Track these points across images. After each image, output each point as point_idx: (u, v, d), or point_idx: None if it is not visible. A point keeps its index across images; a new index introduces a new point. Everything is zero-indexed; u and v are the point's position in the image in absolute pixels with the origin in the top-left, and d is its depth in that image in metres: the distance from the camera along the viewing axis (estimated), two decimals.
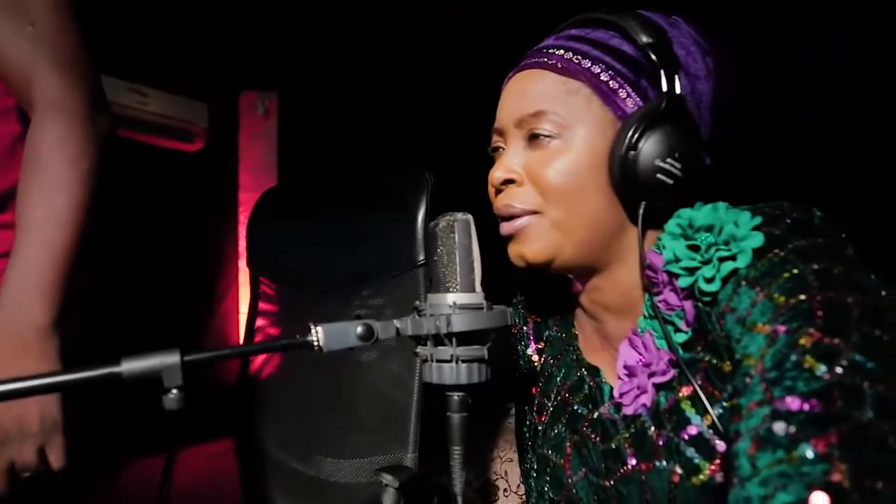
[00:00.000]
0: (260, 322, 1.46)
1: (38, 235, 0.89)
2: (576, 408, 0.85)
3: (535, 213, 0.77)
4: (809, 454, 0.54)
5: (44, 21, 0.94)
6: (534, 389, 0.92)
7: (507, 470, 1.05)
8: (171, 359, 0.58)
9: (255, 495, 1.44)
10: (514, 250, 0.80)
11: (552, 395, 0.89)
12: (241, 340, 1.49)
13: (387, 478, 1.02)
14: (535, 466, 0.89)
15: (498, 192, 0.80)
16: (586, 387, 0.85)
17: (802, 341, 0.60)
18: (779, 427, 0.57)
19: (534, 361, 0.94)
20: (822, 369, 0.57)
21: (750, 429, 0.59)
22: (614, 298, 0.81)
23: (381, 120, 3.22)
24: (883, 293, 0.63)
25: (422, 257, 1.16)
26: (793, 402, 0.57)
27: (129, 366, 0.58)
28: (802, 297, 0.62)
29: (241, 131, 3.46)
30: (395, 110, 3.14)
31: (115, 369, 0.57)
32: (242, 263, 3.34)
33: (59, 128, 0.92)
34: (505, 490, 1.05)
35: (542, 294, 0.96)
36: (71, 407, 1.03)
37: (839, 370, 0.57)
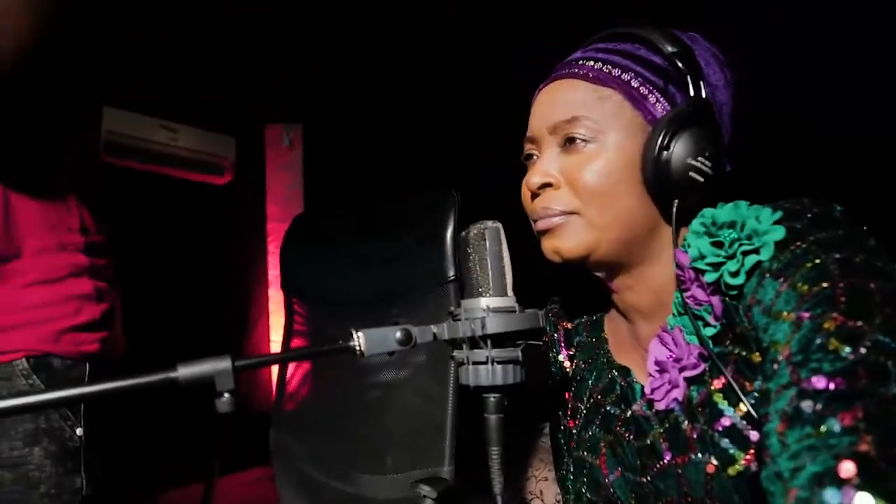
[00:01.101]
0: (295, 342, 1.50)
1: None
2: (609, 408, 0.88)
3: (572, 213, 0.80)
4: (836, 428, 0.56)
5: None
6: (567, 395, 0.94)
7: (542, 489, 1.06)
8: (223, 364, 0.62)
9: None
10: (549, 245, 0.83)
11: (585, 399, 0.91)
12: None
13: (424, 489, 1.05)
14: (572, 469, 0.91)
15: (534, 196, 0.83)
16: (618, 387, 0.87)
17: (826, 325, 0.62)
18: (806, 405, 0.59)
19: (566, 367, 0.96)
20: (846, 350, 0.60)
21: (778, 410, 0.61)
22: (645, 298, 0.84)
23: (404, 146, 3.28)
24: None
25: (451, 274, 1.19)
26: (819, 382, 0.59)
27: (185, 371, 0.61)
28: (825, 284, 0.64)
29: (267, 163, 3.54)
30: (417, 135, 3.20)
31: (172, 374, 0.61)
32: (272, 292, 3.40)
33: None
34: None
35: (572, 301, 0.98)
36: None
37: (863, 350, 0.59)
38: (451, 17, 2.85)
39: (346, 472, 1.33)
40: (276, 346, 3.36)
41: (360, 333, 0.65)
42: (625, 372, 0.88)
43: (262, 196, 3.54)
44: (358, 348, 0.65)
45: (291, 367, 1.51)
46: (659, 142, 0.75)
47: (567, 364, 0.96)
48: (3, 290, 1.03)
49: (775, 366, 0.65)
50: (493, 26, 2.87)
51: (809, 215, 0.70)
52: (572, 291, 0.99)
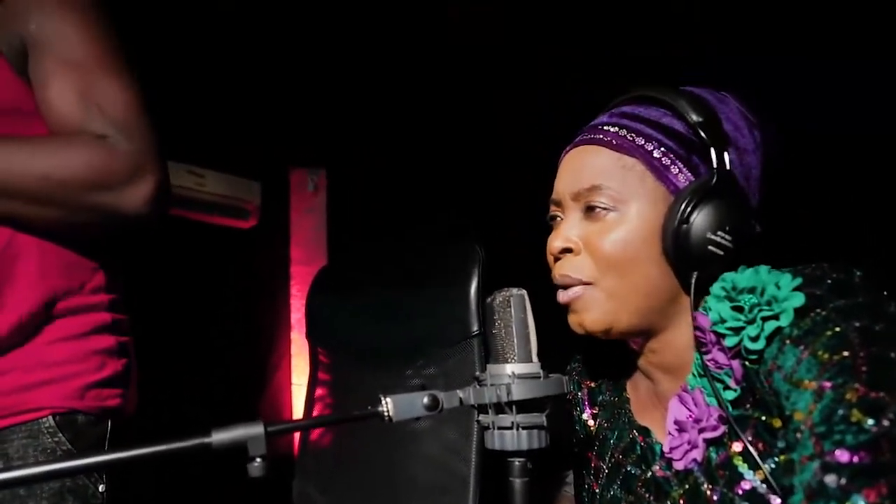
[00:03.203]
0: (319, 392, 1.51)
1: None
2: (629, 469, 0.88)
3: (588, 283, 0.82)
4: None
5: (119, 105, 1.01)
6: (590, 454, 0.95)
7: None
8: (256, 430, 0.64)
9: None
10: (573, 319, 0.85)
11: (607, 458, 0.92)
12: (301, 410, 1.54)
13: None
14: None
15: (556, 259, 0.85)
16: (638, 447, 0.88)
17: (849, 396, 0.63)
18: (830, 479, 0.60)
19: (589, 426, 0.97)
20: (869, 423, 0.60)
21: (803, 482, 0.62)
22: (669, 359, 0.85)
23: (429, 191, 3.32)
24: None
25: (475, 328, 1.20)
26: (842, 455, 0.60)
27: (218, 437, 0.63)
28: (846, 353, 0.65)
29: (291, 207, 3.59)
30: (442, 181, 3.24)
31: (206, 440, 0.63)
32: (295, 335, 3.42)
33: (97, 151, 0.98)
34: None
35: (595, 360, 0.99)
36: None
37: (886, 423, 0.60)
38: (480, 63, 2.91)
39: None
40: (297, 388, 3.36)
41: (388, 399, 0.67)
42: (645, 432, 0.88)
43: (287, 239, 3.58)
44: (387, 414, 0.67)
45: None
46: (679, 214, 0.77)
47: (591, 423, 0.97)
48: (28, 349, 1.03)
49: (798, 435, 0.66)
50: (524, 76, 2.92)
51: (829, 281, 0.71)
52: (596, 350, 0.99)
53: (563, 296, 0.84)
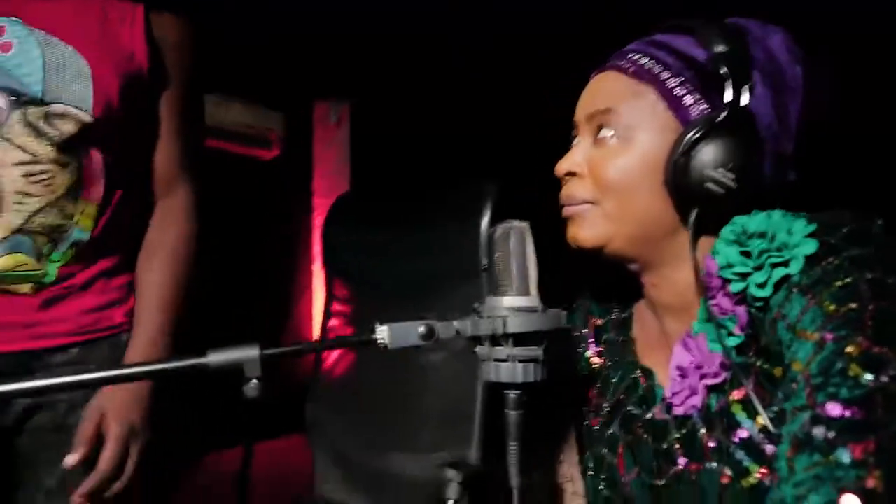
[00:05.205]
0: (333, 322, 1.53)
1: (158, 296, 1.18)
2: (630, 408, 0.88)
3: (592, 202, 0.81)
4: (846, 459, 0.55)
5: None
6: (592, 391, 0.95)
7: (573, 474, 1.08)
8: (252, 352, 0.65)
9: (326, 487, 1.52)
10: (570, 232, 0.84)
11: (608, 397, 0.92)
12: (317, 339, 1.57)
13: (450, 472, 1.07)
14: (592, 465, 0.92)
15: (564, 182, 0.84)
16: (640, 388, 0.87)
17: (850, 349, 0.60)
18: (818, 431, 0.58)
19: (593, 364, 0.96)
20: (867, 377, 0.58)
21: (791, 432, 0.61)
22: (671, 297, 0.83)
23: (452, 127, 3.28)
24: None
25: (485, 265, 1.20)
26: (833, 409, 0.58)
27: (215, 358, 0.64)
28: (854, 305, 0.62)
29: (315, 139, 3.58)
30: (465, 117, 3.19)
31: (202, 360, 0.64)
32: (316, 267, 3.45)
33: (185, 227, 1.24)
34: (573, 493, 1.08)
35: (603, 298, 0.98)
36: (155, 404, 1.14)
37: (884, 379, 0.58)
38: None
39: (377, 449, 1.37)
40: (319, 319, 3.40)
41: (384, 327, 0.67)
42: (648, 373, 0.87)
43: (310, 171, 3.59)
44: (382, 341, 0.67)
45: None
46: (681, 146, 0.74)
47: (595, 360, 0.96)
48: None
49: (794, 385, 0.64)
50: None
51: (846, 230, 0.68)
52: (604, 287, 0.98)
53: (566, 210, 0.84)
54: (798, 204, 0.76)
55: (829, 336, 0.63)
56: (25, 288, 1.06)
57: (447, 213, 1.33)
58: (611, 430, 0.89)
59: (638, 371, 0.89)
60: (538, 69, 2.90)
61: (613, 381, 0.92)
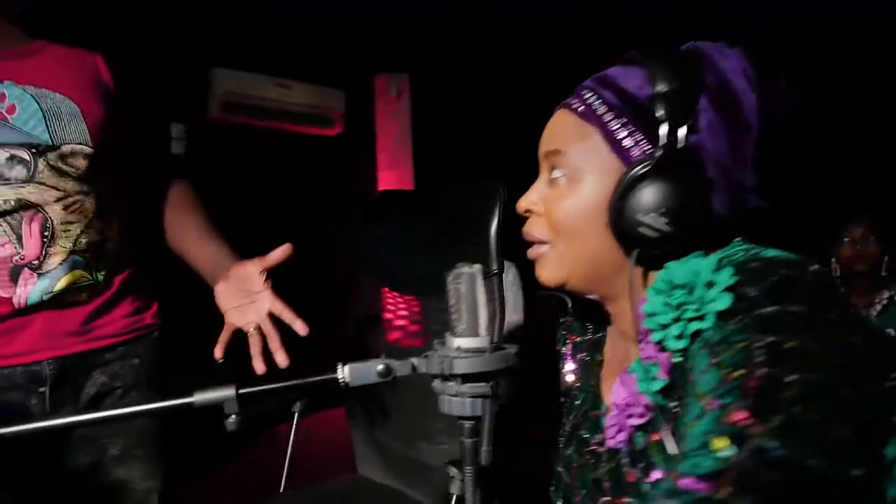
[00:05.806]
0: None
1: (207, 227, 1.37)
2: (583, 432, 0.91)
3: (547, 242, 0.83)
4: None
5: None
6: (564, 408, 0.99)
7: None
8: (229, 392, 0.74)
9: (365, 467, 1.64)
10: (536, 272, 0.87)
11: (571, 418, 0.95)
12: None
13: (453, 470, 1.15)
14: (554, 482, 0.96)
15: (525, 217, 0.87)
16: (591, 415, 0.91)
17: (726, 419, 0.60)
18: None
19: (567, 382, 1.00)
20: (727, 452, 0.58)
21: (654, 498, 0.63)
22: (627, 327, 0.85)
23: (511, 94, 3.27)
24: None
25: (493, 268, 1.25)
26: (685, 482, 0.60)
27: (199, 397, 0.74)
28: (742, 371, 0.62)
29: (376, 113, 3.66)
30: (523, 85, 3.18)
31: (188, 400, 0.74)
32: None
33: (194, 202, 1.41)
34: None
35: (582, 317, 1.00)
36: None
37: (744, 455, 0.58)
38: None
39: (408, 438, 1.46)
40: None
41: (345, 367, 0.75)
42: (598, 402, 0.90)
43: (373, 144, 3.68)
44: (343, 380, 0.75)
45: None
46: (617, 191, 0.74)
47: (570, 378, 1.00)
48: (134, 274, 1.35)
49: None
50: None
51: (772, 279, 0.65)
52: (584, 307, 1.00)
53: (529, 252, 0.87)
54: (799, 210, 0.75)
55: (715, 403, 0.63)
56: (84, 296, 1.24)
57: (461, 215, 1.36)
58: (568, 451, 0.93)
59: (593, 396, 0.92)
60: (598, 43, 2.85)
61: (577, 402, 0.95)
